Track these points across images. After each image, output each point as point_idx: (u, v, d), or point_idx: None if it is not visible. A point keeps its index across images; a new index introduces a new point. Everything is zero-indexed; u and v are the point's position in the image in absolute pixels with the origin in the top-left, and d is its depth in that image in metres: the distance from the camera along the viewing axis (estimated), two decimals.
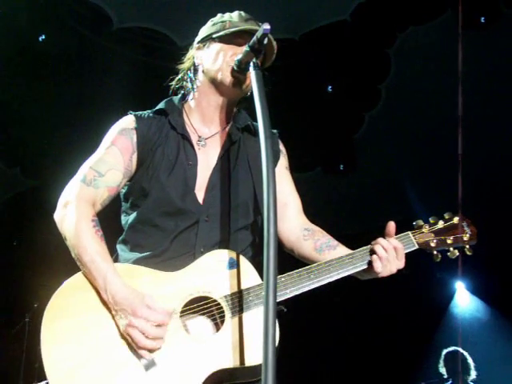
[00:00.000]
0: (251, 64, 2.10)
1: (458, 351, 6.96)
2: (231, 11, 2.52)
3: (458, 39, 6.79)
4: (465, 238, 2.44)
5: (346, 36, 7.73)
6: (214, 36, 2.44)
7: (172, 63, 2.63)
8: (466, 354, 6.86)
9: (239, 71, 2.28)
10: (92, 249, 2.15)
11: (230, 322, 2.11)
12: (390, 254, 2.32)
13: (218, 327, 2.14)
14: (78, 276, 2.20)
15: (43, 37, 7.34)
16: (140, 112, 2.49)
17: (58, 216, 2.28)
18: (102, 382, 2.02)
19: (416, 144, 8.21)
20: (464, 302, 9.63)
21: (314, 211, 9.22)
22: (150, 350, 2.05)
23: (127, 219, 2.42)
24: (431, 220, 2.50)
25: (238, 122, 2.53)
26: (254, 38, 2.08)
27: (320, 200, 9.26)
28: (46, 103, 7.79)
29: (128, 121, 2.44)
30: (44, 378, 2.06)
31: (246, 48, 2.15)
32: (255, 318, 2.11)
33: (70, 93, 7.70)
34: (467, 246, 2.45)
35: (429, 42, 7.51)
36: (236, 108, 2.55)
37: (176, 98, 2.56)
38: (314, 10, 7.48)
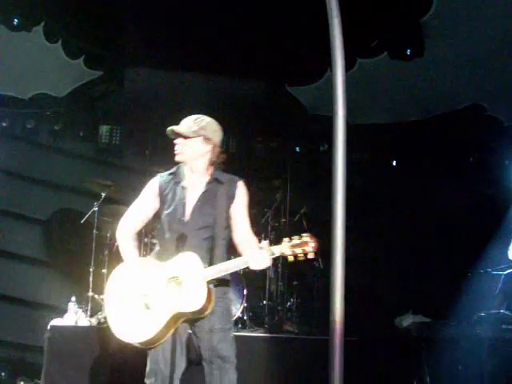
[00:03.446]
0: None
1: None
2: None
3: None
4: (307, 249, 3.83)
5: None
6: None
7: None
8: None
9: None
10: (122, 247, 4.26)
11: (184, 288, 3.86)
12: (257, 259, 3.86)
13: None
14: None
15: None
16: (162, 173, 4.35)
17: (116, 233, 4.36)
18: (122, 309, 3.98)
19: (489, 27, 7.80)
20: None
21: (381, 97, 9.02)
22: (147, 295, 3.94)
23: (158, 228, 4.32)
24: (291, 237, 3.87)
25: (212, 177, 4.23)
26: None
27: (385, 86, 9.06)
28: None
29: (155, 180, 4.33)
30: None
31: None
32: (194, 286, 3.83)
33: None
34: (312, 254, 3.85)
35: None
36: (214, 167, 4.24)
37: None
38: None
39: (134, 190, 5.01)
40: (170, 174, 4.32)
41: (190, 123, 4.20)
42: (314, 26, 5.36)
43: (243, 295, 7.39)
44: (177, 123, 4.25)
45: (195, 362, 4.32)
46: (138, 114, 9.40)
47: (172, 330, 3.93)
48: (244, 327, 7.32)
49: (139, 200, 4.36)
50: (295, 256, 3.85)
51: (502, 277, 7.29)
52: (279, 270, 8.24)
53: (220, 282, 4.05)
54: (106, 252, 7.52)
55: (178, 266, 3.93)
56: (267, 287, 8.00)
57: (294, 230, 8.54)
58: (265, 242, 3.93)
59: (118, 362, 5.96)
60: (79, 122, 9.76)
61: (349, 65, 8.02)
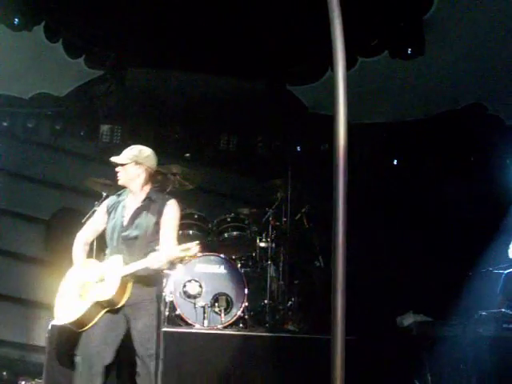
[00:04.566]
0: None
1: None
2: None
3: None
4: (191, 253, 4.80)
5: None
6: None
7: None
8: None
9: None
10: (74, 253, 5.20)
11: (105, 281, 4.87)
12: (153, 260, 4.79)
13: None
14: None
15: None
16: (111, 195, 5.45)
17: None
18: (63, 298, 5.01)
19: (490, 25, 7.78)
20: None
21: (381, 96, 8.99)
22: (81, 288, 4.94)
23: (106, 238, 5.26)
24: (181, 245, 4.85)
25: (146, 196, 5.16)
26: None
27: (386, 85, 9.05)
28: None
29: (105, 201, 5.44)
30: None
31: None
32: (111, 280, 4.81)
33: None
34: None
35: None
36: (149, 187, 5.20)
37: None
38: None
39: None
40: (117, 195, 5.35)
41: (126, 152, 5.20)
42: (315, 26, 5.35)
43: (244, 294, 7.38)
44: (177, 123, 4.77)
45: (127, 358, 5.07)
46: (139, 114, 9.40)
47: (97, 317, 4.86)
48: (245, 326, 7.30)
49: (93, 217, 5.55)
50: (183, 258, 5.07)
51: (503, 276, 7.28)
52: (280, 268, 8.24)
53: (140, 279, 4.90)
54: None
55: (106, 265, 4.96)
56: (268, 286, 7.98)
57: (295, 229, 8.59)
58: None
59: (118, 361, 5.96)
60: (80, 121, 9.76)
61: (350, 64, 8.01)
